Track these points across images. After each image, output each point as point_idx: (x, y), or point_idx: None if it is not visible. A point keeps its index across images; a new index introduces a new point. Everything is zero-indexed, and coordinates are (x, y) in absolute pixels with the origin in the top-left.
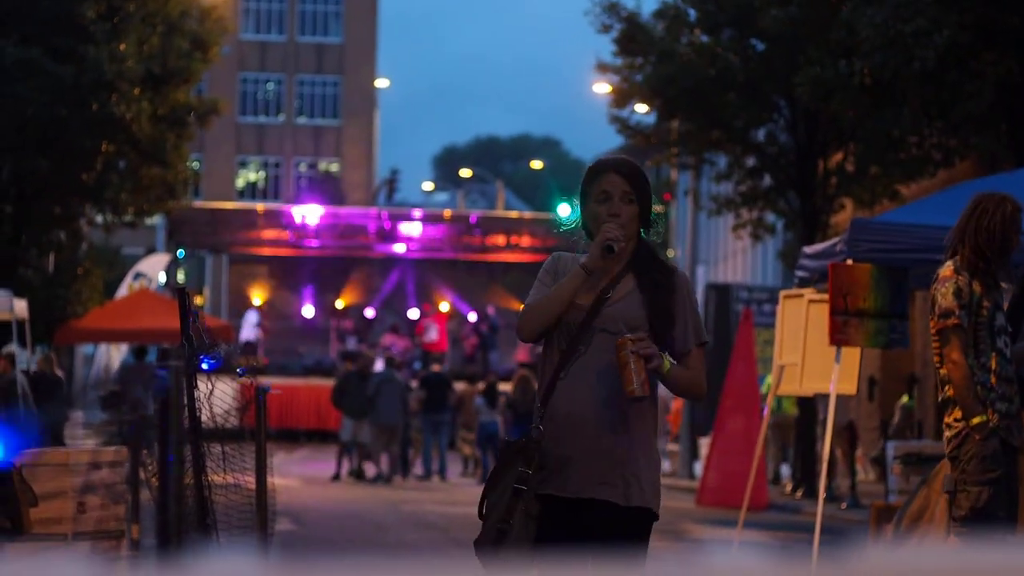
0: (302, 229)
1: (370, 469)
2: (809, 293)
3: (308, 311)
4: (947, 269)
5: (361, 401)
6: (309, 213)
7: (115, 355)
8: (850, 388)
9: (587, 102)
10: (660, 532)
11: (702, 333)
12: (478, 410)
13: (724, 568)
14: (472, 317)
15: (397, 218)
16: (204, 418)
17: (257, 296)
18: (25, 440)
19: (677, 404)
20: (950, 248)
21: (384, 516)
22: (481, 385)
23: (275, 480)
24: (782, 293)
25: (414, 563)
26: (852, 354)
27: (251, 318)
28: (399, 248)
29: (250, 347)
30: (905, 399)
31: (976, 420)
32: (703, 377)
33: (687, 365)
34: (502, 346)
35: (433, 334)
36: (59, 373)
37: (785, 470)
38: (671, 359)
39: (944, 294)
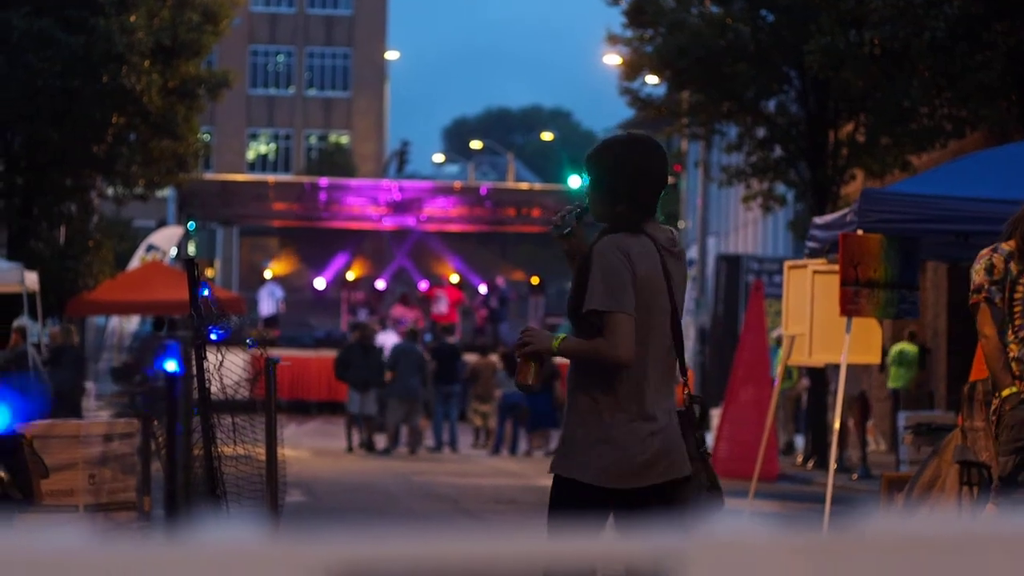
0: (313, 201)
1: (380, 440)
2: (813, 264)
3: (319, 283)
4: (987, 249)
5: (365, 373)
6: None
7: (127, 327)
8: (874, 358)
9: (598, 73)
10: None
11: (593, 300)
12: (500, 382)
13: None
14: (483, 289)
15: (407, 190)
16: (214, 389)
17: (269, 270)
18: (32, 408)
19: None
20: (1005, 233)
21: (395, 487)
22: (495, 357)
23: (286, 451)
24: (787, 264)
25: (422, 532)
26: (871, 324)
27: (276, 292)
28: (410, 220)
29: (271, 321)
30: (892, 378)
31: (1006, 392)
32: (605, 344)
33: (600, 333)
34: (512, 318)
35: (442, 306)
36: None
37: (799, 440)
38: (567, 337)
39: (977, 271)
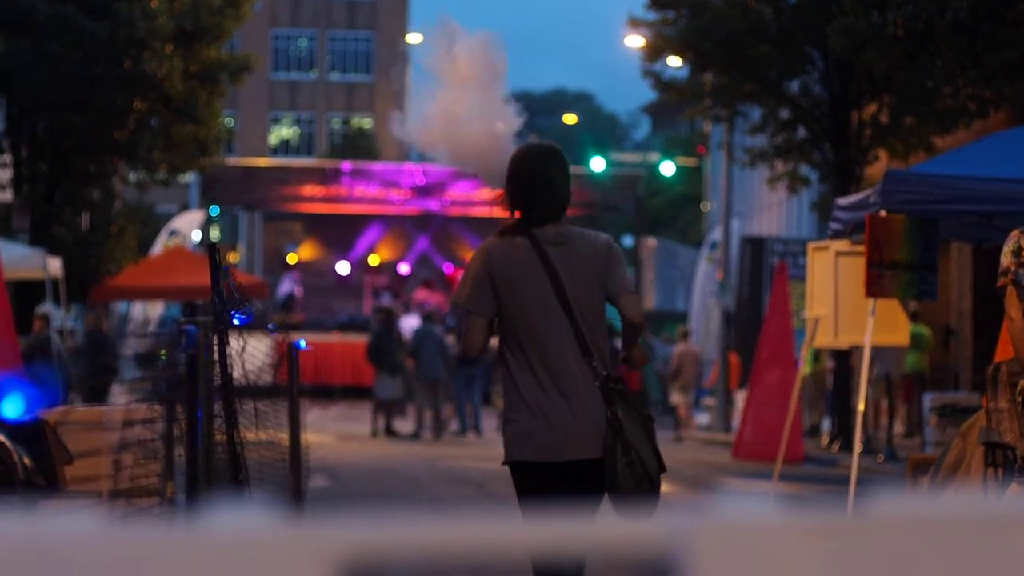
0: (335, 185)
1: (402, 425)
2: (836, 245)
3: (342, 267)
4: (1016, 231)
5: (395, 357)
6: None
7: (153, 313)
8: (901, 339)
9: (620, 55)
10: (695, 485)
11: (453, 296)
12: None
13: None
14: None
15: (431, 174)
16: (236, 375)
17: (293, 254)
18: (49, 396)
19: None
20: None
21: (419, 472)
22: None
23: (310, 436)
24: (810, 245)
25: (440, 516)
26: (894, 305)
27: (291, 275)
28: (433, 204)
29: (290, 301)
30: (909, 361)
31: None
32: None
33: None
34: None
35: None
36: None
37: (827, 423)
38: None
39: (1005, 253)
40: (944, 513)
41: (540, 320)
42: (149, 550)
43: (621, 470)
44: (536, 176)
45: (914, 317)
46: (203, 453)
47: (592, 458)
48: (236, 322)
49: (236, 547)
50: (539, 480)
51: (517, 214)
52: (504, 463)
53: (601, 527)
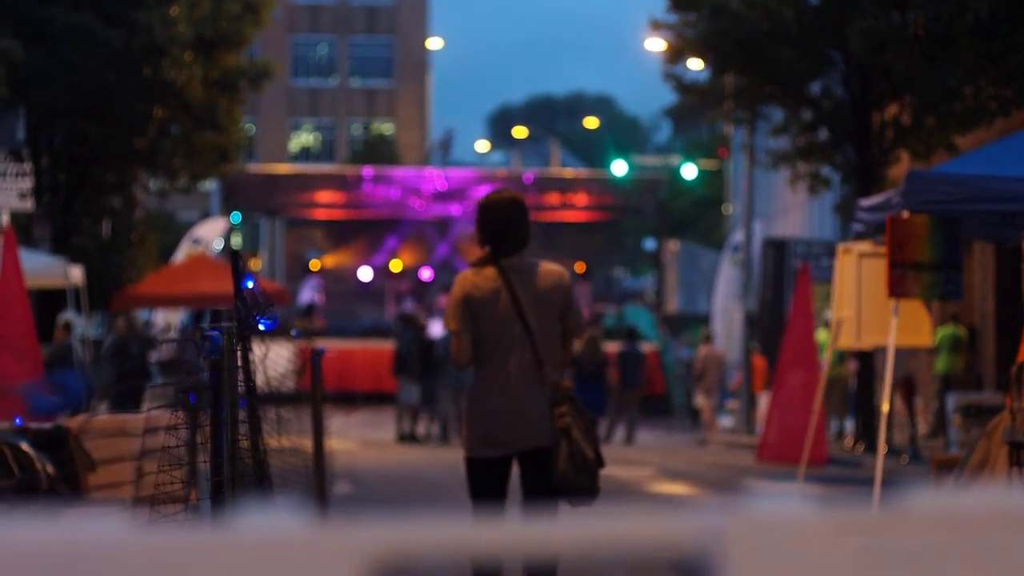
0: (356, 191)
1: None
2: (859, 246)
3: (364, 273)
4: None
5: (415, 363)
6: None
7: (172, 320)
8: (925, 340)
9: (641, 58)
10: (720, 487)
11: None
12: None
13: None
14: None
15: (452, 179)
16: (259, 381)
17: (315, 261)
18: (67, 403)
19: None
20: None
21: (443, 476)
22: None
23: (333, 442)
24: (840, 247)
25: (463, 518)
26: (918, 307)
27: (312, 281)
28: (454, 209)
29: (311, 309)
30: (941, 363)
31: None
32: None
33: None
34: None
35: None
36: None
37: (850, 425)
38: None
39: None
40: (976, 508)
41: (502, 334)
42: (183, 550)
43: (564, 461)
44: (503, 220)
45: (954, 319)
46: (228, 459)
47: (539, 447)
48: (262, 327)
49: (269, 547)
50: (495, 468)
51: (487, 248)
52: (466, 456)
53: (633, 526)
